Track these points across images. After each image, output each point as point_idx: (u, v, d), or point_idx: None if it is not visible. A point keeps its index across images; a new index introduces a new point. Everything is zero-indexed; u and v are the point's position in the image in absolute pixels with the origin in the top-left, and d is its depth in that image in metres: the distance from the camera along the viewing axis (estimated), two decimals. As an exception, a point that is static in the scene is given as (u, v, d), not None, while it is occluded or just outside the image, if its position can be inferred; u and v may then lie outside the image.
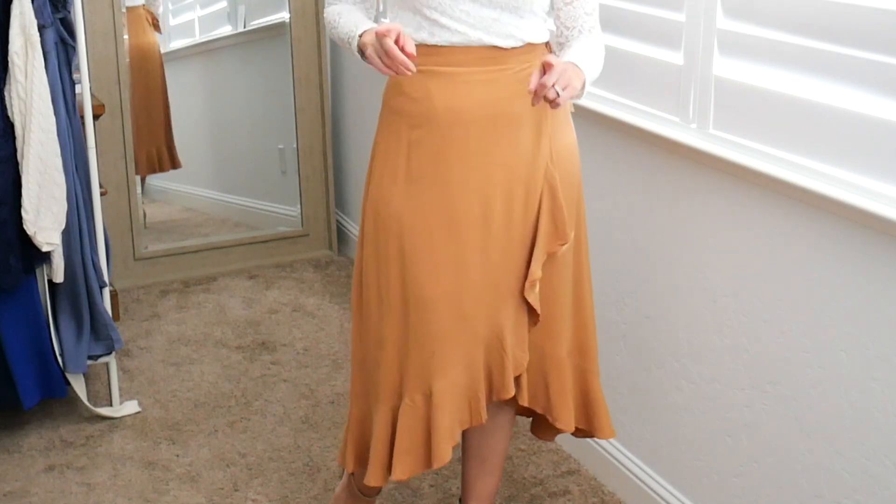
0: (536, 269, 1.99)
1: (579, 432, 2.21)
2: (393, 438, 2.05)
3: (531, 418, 2.26)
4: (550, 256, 2.02)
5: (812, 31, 1.88)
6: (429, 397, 2.00)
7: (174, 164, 4.29)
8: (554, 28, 2.05)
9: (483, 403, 2.05)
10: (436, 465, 2.01)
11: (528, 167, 1.98)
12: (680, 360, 2.31)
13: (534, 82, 1.75)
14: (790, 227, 1.97)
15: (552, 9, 2.02)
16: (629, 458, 2.53)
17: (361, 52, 1.94)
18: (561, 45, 2.04)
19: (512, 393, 2.04)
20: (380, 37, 1.79)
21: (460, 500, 2.32)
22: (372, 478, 2.07)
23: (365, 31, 1.95)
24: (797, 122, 1.92)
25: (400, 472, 2.03)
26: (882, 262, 1.79)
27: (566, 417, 2.13)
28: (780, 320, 2.02)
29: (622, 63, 2.36)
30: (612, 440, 2.58)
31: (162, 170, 4.29)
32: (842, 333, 1.88)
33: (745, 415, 2.13)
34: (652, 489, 2.44)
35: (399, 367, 2.02)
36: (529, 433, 2.37)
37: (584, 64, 1.92)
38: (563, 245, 2.02)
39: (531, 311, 2.04)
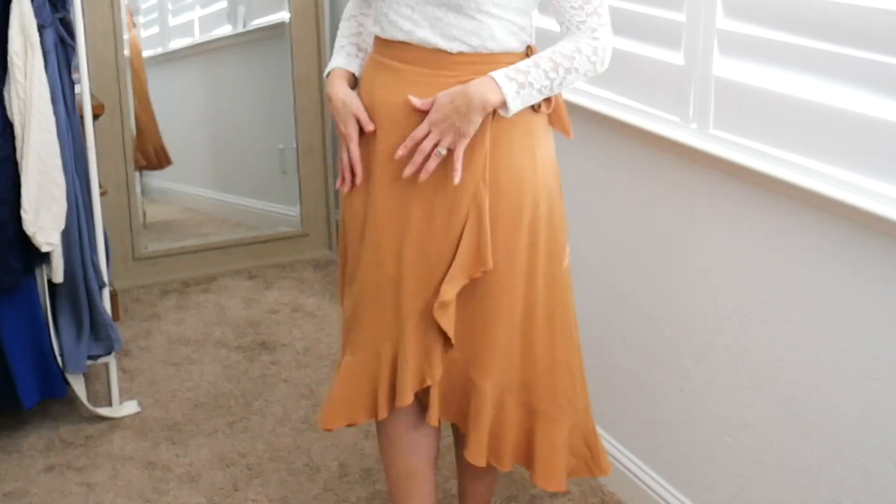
0: (447, 290, 1.87)
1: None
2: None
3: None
4: (482, 281, 1.90)
5: (812, 31, 1.87)
6: (338, 368, 2.04)
7: (160, 163, 4.28)
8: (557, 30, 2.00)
9: (382, 400, 1.99)
10: (322, 426, 2.04)
11: (454, 183, 1.85)
12: (680, 361, 2.31)
13: (406, 143, 1.84)
14: (790, 227, 1.97)
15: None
16: (629, 458, 2.52)
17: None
18: None
19: (407, 403, 1.95)
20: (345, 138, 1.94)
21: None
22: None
23: (333, 70, 2.01)
24: (797, 122, 1.92)
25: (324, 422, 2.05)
26: (882, 262, 1.79)
27: (474, 451, 1.97)
28: (780, 320, 2.01)
29: (622, 63, 2.36)
30: (612, 440, 2.58)
31: (150, 168, 4.29)
32: (842, 333, 1.88)
33: (745, 415, 2.13)
34: (652, 489, 2.44)
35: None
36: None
37: (521, 75, 1.80)
38: (483, 271, 1.89)
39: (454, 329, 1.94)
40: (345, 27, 2.09)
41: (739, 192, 2.07)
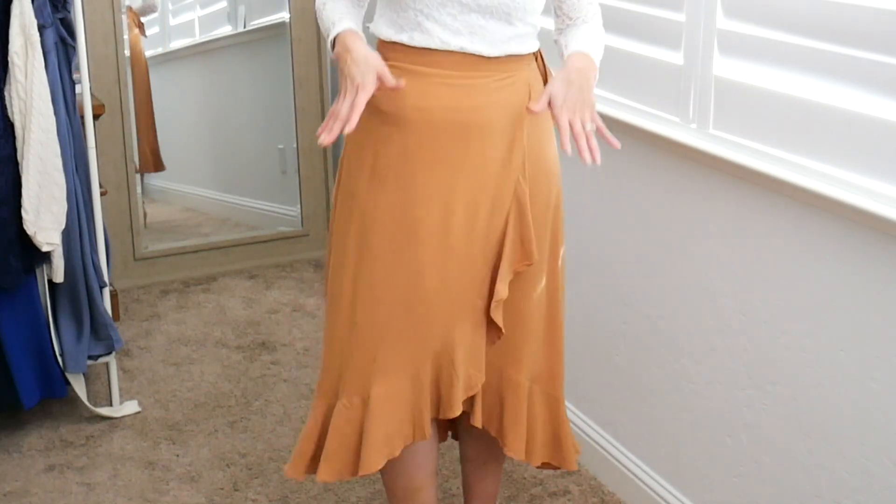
0: (502, 289, 1.90)
1: (545, 465, 2.11)
2: (323, 436, 1.99)
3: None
4: (517, 275, 1.93)
5: (812, 31, 1.88)
6: (366, 402, 1.92)
7: (157, 166, 4.27)
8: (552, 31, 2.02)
9: (427, 419, 1.95)
10: (362, 473, 1.93)
11: (497, 180, 1.88)
12: (680, 361, 2.31)
13: (563, 134, 1.73)
14: (790, 227, 1.97)
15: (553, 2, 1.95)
16: (629, 458, 2.53)
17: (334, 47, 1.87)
18: (560, 32, 1.97)
19: (458, 412, 1.94)
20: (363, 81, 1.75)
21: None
22: (292, 469, 2.01)
23: (345, 31, 1.84)
24: (797, 122, 1.92)
25: (324, 474, 1.96)
26: (882, 262, 1.79)
27: (518, 446, 2.02)
28: (780, 320, 2.02)
29: (622, 63, 2.36)
30: (611, 440, 2.58)
31: (145, 171, 4.27)
32: (842, 333, 1.88)
33: (745, 415, 2.13)
34: (652, 489, 2.44)
35: (341, 364, 1.95)
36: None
37: (592, 49, 1.88)
38: (528, 265, 1.93)
39: (491, 329, 1.94)
40: (336, 4, 1.92)
41: (739, 191, 2.08)
